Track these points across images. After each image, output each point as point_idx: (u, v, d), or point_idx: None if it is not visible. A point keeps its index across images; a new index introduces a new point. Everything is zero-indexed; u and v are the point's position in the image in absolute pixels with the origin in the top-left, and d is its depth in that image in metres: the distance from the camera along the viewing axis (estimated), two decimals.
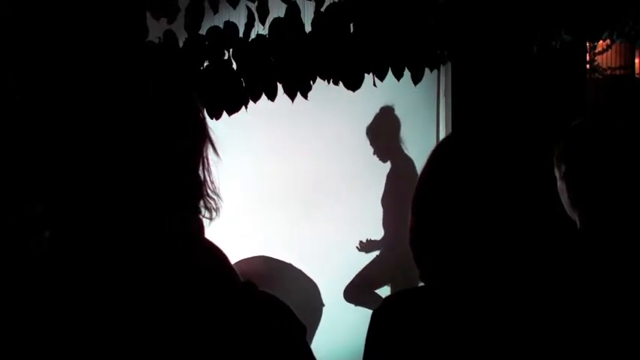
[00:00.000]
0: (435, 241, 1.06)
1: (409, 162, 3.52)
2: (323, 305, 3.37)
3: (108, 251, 0.87)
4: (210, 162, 0.94)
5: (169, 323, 0.85)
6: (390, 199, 3.53)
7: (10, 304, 0.85)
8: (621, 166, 1.32)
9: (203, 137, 0.94)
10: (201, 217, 0.93)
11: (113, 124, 0.86)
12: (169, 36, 2.45)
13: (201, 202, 0.92)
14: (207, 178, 0.93)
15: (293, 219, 3.42)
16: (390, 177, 3.56)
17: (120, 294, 0.85)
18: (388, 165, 3.60)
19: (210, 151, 0.94)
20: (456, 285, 1.04)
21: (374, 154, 3.56)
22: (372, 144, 3.55)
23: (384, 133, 3.54)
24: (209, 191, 0.93)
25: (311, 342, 3.26)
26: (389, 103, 3.51)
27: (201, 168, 0.93)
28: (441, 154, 1.11)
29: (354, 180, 3.48)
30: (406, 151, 3.57)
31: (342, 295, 3.52)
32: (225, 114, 2.55)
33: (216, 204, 0.94)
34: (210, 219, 0.94)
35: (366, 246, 3.60)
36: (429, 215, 1.07)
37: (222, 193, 0.96)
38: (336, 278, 3.48)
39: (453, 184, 1.06)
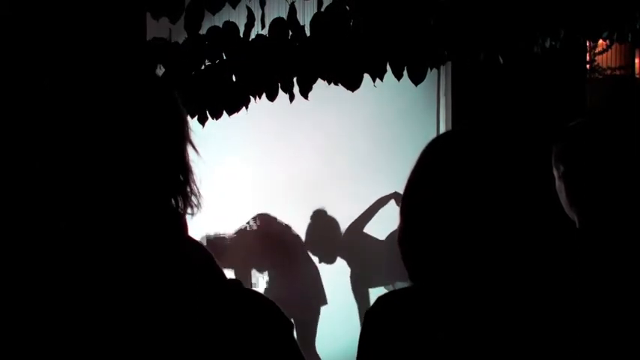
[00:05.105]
0: (424, 240, 1.06)
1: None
2: (325, 303, 3.40)
3: (95, 248, 0.87)
4: (191, 161, 0.96)
5: (157, 319, 0.86)
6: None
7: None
8: (619, 167, 1.33)
9: (183, 136, 0.95)
10: (182, 212, 0.94)
11: (103, 123, 0.88)
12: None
13: (183, 199, 0.94)
14: (189, 176, 0.95)
15: (292, 219, 3.42)
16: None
17: (108, 291, 0.86)
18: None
19: (190, 150, 0.96)
20: (446, 284, 1.04)
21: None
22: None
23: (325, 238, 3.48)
24: (191, 188, 0.95)
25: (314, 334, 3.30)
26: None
27: (182, 167, 0.94)
28: (430, 153, 1.11)
29: (353, 180, 3.48)
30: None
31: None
32: (225, 114, 2.56)
33: (197, 200, 0.96)
34: (192, 214, 0.96)
35: None
36: (417, 214, 1.07)
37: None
38: (336, 278, 3.48)
39: (443, 183, 1.06)
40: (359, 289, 3.50)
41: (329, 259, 3.49)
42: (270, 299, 0.96)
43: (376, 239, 3.50)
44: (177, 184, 0.93)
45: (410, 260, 1.09)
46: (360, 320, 3.41)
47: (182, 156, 0.94)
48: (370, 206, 3.48)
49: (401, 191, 1.12)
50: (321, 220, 3.47)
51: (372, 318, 1.11)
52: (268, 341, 0.91)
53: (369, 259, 3.49)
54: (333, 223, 3.49)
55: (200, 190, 0.96)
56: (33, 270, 0.87)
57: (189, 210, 0.95)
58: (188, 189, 0.94)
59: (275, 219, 3.37)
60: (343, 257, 3.52)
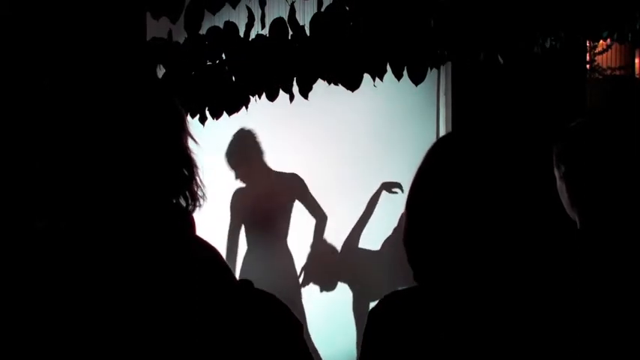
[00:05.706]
0: (428, 240, 1.06)
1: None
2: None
3: (104, 247, 0.87)
4: (193, 155, 0.97)
5: (167, 319, 0.86)
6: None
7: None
8: (620, 167, 1.33)
9: (183, 130, 0.96)
10: (190, 209, 0.95)
11: (103, 122, 0.88)
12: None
13: (191, 195, 0.95)
14: (194, 170, 0.96)
15: (293, 220, 3.42)
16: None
17: (110, 292, 0.85)
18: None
19: (192, 145, 0.97)
20: (451, 284, 1.05)
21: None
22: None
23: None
24: (196, 182, 0.96)
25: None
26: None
27: (186, 161, 0.94)
28: (436, 153, 1.11)
29: (354, 179, 3.48)
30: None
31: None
32: (225, 114, 2.56)
33: (203, 192, 0.97)
34: (200, 206, 0.97)
35: None
36: (422, 214, 1.08)
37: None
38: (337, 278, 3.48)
39: (447, 183, 1.06)
40: (360, 305, 3.47)
41: (330, 288, 3.47)
42: (271, 295, 0.96)
43: (372, 251, 3.48)
44: (183, 180, 0.94)
45: (415, 260, 1.09)
46: (360, 330, 3.40)
47: (184, 150, 0.95)
48: (364, 211, 3.46)
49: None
50: (321, 248, 3.45)
51: (375, 317, 1.12)
52: (276, 342, 0.91)
53: (368, 274, 3.47)
54: (332, 250, 3.47)
55: (204, 182, 0.97)
56: (34, 270, 0.87)
57: (197, 202, 0.96)
58: (194, 183, 0.95)
59: (303, 187, 3.37)
60: (344, 281, 3.49)
